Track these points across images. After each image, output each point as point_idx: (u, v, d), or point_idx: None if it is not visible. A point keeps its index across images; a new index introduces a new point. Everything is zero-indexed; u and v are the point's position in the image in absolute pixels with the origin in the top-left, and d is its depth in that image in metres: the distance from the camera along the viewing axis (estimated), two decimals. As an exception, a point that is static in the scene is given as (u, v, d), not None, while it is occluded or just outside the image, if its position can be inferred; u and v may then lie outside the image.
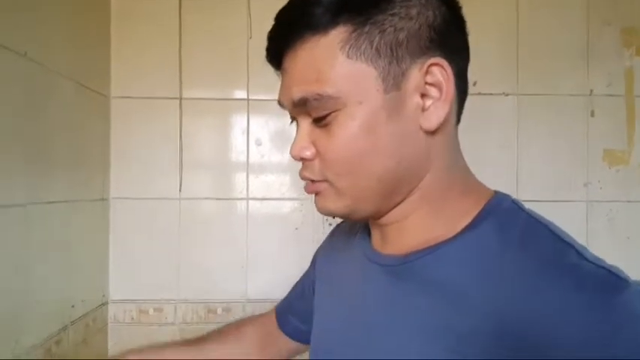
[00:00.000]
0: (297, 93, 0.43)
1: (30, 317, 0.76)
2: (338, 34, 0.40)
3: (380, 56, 0.40)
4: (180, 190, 1.09)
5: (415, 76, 0.41)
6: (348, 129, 0.41)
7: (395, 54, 0.40)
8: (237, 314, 1.08)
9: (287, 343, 0.67)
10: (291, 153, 0.46)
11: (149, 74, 1.08)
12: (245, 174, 1.10)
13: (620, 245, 1.02)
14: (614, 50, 1.04)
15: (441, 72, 0.41)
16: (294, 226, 1.10)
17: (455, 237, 0.42)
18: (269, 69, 0.47)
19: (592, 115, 1.04)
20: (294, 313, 0.67)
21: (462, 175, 0.47)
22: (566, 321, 0.34)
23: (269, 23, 0.45)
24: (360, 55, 0.40)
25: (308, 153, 0.44)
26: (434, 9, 0.42)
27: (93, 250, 1.01)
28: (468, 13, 0.45)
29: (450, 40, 0.43)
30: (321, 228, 1.09)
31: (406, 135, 0.42)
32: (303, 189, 0.48)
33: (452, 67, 0.42)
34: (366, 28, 0.40)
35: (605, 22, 1.04)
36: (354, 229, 0.57)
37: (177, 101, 1.09)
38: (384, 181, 0.43)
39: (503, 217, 0.42)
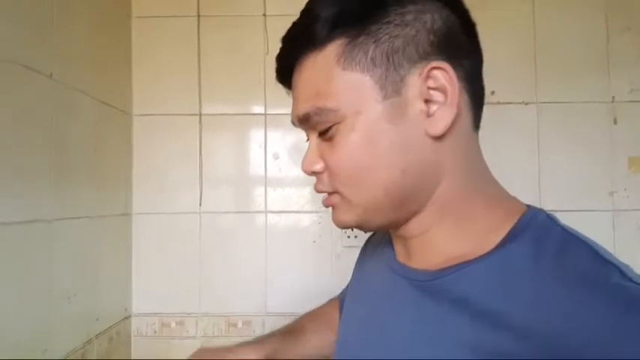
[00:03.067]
0: (301, 109, 0.44)
1: (56, 330, 0.78)
2: (334, 48, 0.41)
3: (375, 65, 0.40)
4: (200, 205, 1.10)
5: (415, 81, 0.40)
6: (350, 141, 0.42)
7: (392, 61, 0.40)
8: (256, 327, 1.08)
9: None
10: (301, 168, 0.47)
11: (169, 92, 1.11)
12: (263, 188, 1.11)
13: (650, 255, 0.99)
14: (636, 56, 1.02)
15: (443, 75, 0.40)
16: (313, 238, 1.10)
17: (488, 253, 0.40)
18: (285, 84, 0.48)
19: (615, 122, 1.01)
20: None
21: (484, 185, 0.44)
22: (614, 346, 0.31)
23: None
24: (355, 65, 0.41)
25: (317, 167, 0.45)
26: (432, 12, 0.41)
27: (116, 264, 1.03)
28: (482, 22, 0.45)
29: (453, 42, 0.41)
30: (340, 241, 1.09)
31: (410, 142, 0.41)
32: (321, 202, 0.48)
33: (457, 71, 0.41)
34: (360, 39, 0.40)
35: (625, 27, 1.02)
36: (382, 237, 0.56)
37: (197, 117, 1.11)
38: (390, 192, 0.42)
39: (538, 232, 0.40)
